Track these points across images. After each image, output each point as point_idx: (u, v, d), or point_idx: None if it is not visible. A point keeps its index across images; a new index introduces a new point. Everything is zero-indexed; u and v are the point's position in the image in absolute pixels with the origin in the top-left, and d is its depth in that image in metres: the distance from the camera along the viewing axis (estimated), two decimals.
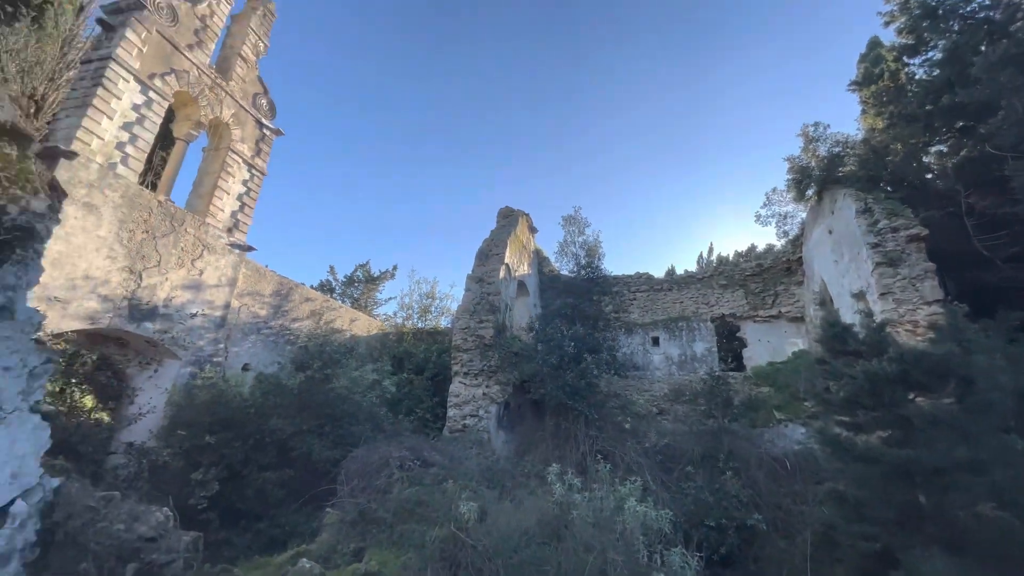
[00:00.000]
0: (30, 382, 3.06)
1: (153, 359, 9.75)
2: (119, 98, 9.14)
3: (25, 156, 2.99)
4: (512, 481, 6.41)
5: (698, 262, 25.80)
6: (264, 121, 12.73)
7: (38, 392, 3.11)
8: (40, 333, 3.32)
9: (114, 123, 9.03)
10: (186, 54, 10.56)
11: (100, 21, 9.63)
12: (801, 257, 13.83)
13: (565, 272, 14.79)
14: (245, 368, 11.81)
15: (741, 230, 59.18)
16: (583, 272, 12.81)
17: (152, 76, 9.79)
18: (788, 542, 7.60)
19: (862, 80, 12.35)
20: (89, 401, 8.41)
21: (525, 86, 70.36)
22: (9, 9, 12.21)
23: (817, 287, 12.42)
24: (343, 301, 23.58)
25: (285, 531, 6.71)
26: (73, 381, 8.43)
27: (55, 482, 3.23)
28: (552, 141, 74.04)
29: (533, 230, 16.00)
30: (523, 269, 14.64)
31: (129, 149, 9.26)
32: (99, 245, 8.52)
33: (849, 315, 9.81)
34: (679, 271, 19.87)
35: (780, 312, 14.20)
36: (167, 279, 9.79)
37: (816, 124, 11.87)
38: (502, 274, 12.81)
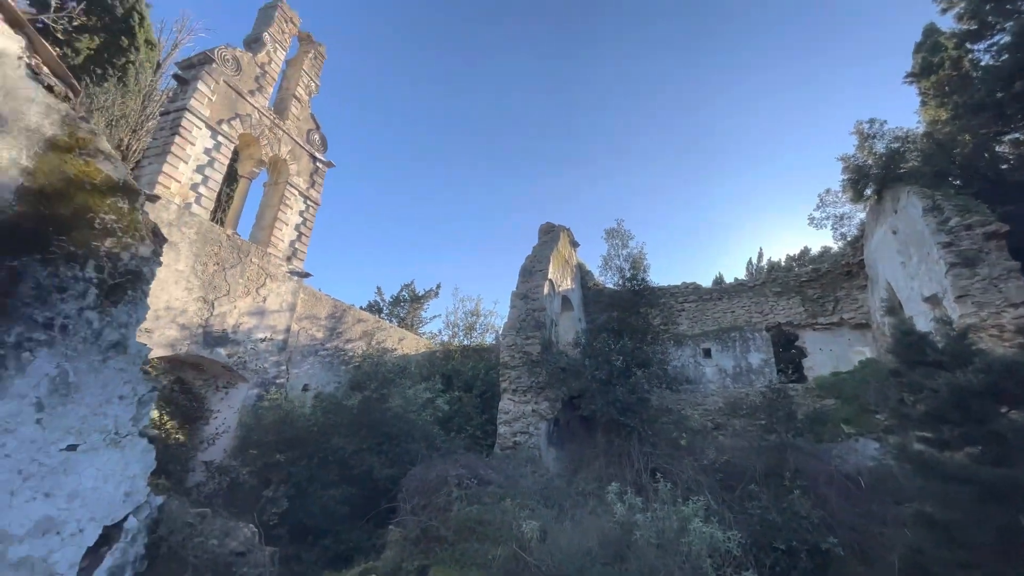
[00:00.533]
0: (139, 409, 3.40)
1: (226, 382, 10.45)
2: (193, 144, 10.05)
3: (134, 208, 3.38)
4: (569, 500, 6.37)
5: (747, 269, 24.87)
6: (317, 155, 13.56)
7: (145, 418, 3.45)
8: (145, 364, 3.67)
9: (189, 167, 9.93)
10: (248, 99, 11.49)
11: (176, 76, 10.69)
12: (863, 260, 13.07)
13: (610, 285, 14.66)
14: (305, 388, 12.42)
15: (791, 233, 56.54)
16: (628, 285, 12.68)
17: (220, 122, 10.71)
18: (868, 568, 7.07)
19: (920, 71, 11.69)
20: (171, 423, 9.11)
21: (561, 100, 71.04)
22: (99, 71, 13.76)
23: (883, 291, 11.68)
24: (391, 321, 24.34)
25: (349, 547, 6.95)
26: (160, 404, 9.18)
27: (159, 500, 3.55)
28: (591, 153, 74.05)
29: (575, 244, 16.01)
30: (566, 284, 14.65)
31: (202, 189, 10.13)
32: (178, 278, 9.32)
33: (923, 321, 9.16)
34: (728, 279, 19.23)
35: (842, 319, 13.42)
36: (235, 307, 10.53)
37: (871, 121, 11.31)
38: (546, 290, 12.88)
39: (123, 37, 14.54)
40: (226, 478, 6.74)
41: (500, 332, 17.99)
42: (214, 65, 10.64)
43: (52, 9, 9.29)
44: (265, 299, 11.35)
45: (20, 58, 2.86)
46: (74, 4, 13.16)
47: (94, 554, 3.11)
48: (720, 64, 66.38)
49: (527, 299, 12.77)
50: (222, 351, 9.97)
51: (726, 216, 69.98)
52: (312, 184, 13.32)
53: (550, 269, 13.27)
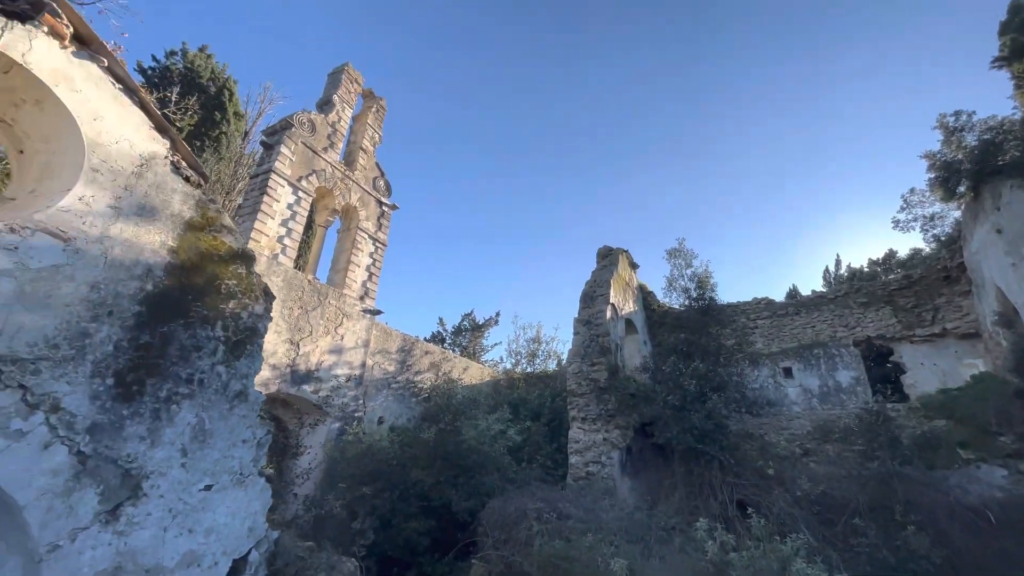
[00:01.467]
0: (257, 450, 3.79)
1: (313, 418, 11.20)
2: (278, 201, 11.18)
3: (250, 272, 3.85)
4: (652, 535, 6.15)
5: (824, 278, 23.15)
6: (383, 200, 14.54)
7: (263, 458, 3.83)
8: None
9: (275, 221, 11.02)
10: (322, 156, 12.64)
11: (263, 143, 12.02)
12: (963, 263, 11.82)
13: (675, 306, 14.24)
14: (380, 421, 12.99)
15: (871, 238, 52.02)
16: (695, 304, 12.26)
17: (300, 178, 11.85)
18: None
19: (1010, 53, 10.66)
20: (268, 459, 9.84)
21: (611, 118, 71.31)
22: (197, 143, 15.71)
23: (993, 299, 10.46)
24: (453, 350, 24.97)
25: None
26: None
27: (275, 534, 3.88)
28: (645, 169, 73.15)
29: (634, 266, 15.79)
30: (628, 307, 14.41)
31: (286, 241, 11.18)
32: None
33: None
34: (803, 291, 18.02)
35: (945, 329, 12.11)
36: (317, 346, 11.34)
37: (957, 113, 10.42)
38: (608, 315, 12.75)
39: (216, 112, 16.61)
40: (320, 511, 7.17)
41: (563, 358, 17.90)
42: (293, 129, 11.86)
43: (172, 103, 10.90)
44: (343, 337, 12.13)
45: (166, 157, 3.43)
46: (176, 88, 15.27)
47: None
48: (770, 59, 63.91)
49: (590, 325, 12.69)
50: (307, 388, 10.74)
51: (794, 225, 65.86)
52: (379, 227, 14.24)
53: (611, 293, 13.15)
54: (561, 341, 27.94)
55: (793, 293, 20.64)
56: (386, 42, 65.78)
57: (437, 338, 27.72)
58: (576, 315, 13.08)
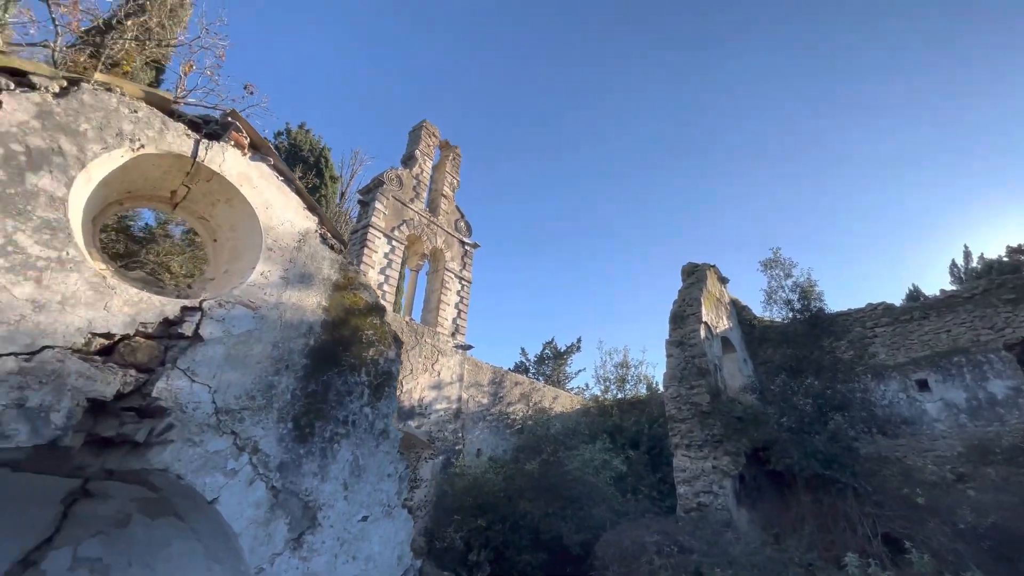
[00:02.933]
0: (400, 484, 4.16)
1: (422, 452, 11.83)
2: (376, 252, 12.30)
3: (383, 322, 4.34)
4: (789, 572, 5.67)
5: (952, 273, 20.32)
6: (465, 240, 15.39)
7: (404, 491, 4.19)
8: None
9: (375, 271, 12.10)
10: (410, 206, 13.77)
11: (359, 201, 13.40)
12: None
13: (777, 319, 13.29)
14: (479, 454, 13.32)
15: (1004, 223, 44.83)
16: (800, 316, 11.38)
17: (392, 229, 12.97)
18: None
19: None
20: None
21: (689, 132, 69.71)
22: None
23: None
24: (538, 379, 25.06)
25: None
26: None
27: (418, 563, 4.19)
28: (732, 173, 70.06)
29: (724, 280, 15.04)
30: (723, 324, 13.69)
31: (385, 287, 12.20)
32: None
33: None
34: (926, 291, 15.95)
35: None
36: (418, 383, 12.06)
37: None
38: (703, 334, 12.21)
39: (315, 177, 18.79)
40: (442, 543, 7.51)
41: (654, 382, 17.25)
42: (384, 186, 13.11)
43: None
44: (439, 373, 12.79)
45: (316, 231, 4.06)
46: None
47: None
48: (870, 39, 59.04)
49: (683, 346, 12.21)
50: (412, 424, 11.39)
51: (902, 220, 58.76)
52: (464, 266, 15.03)
53: (703, 311, 12.61)
54: (650, 364, 26.95)
55: (915, 294, 18.33)
56: (457, 78, 70.46)
57: (521, 368, 27.99)
58: (667, 337, 12.67)
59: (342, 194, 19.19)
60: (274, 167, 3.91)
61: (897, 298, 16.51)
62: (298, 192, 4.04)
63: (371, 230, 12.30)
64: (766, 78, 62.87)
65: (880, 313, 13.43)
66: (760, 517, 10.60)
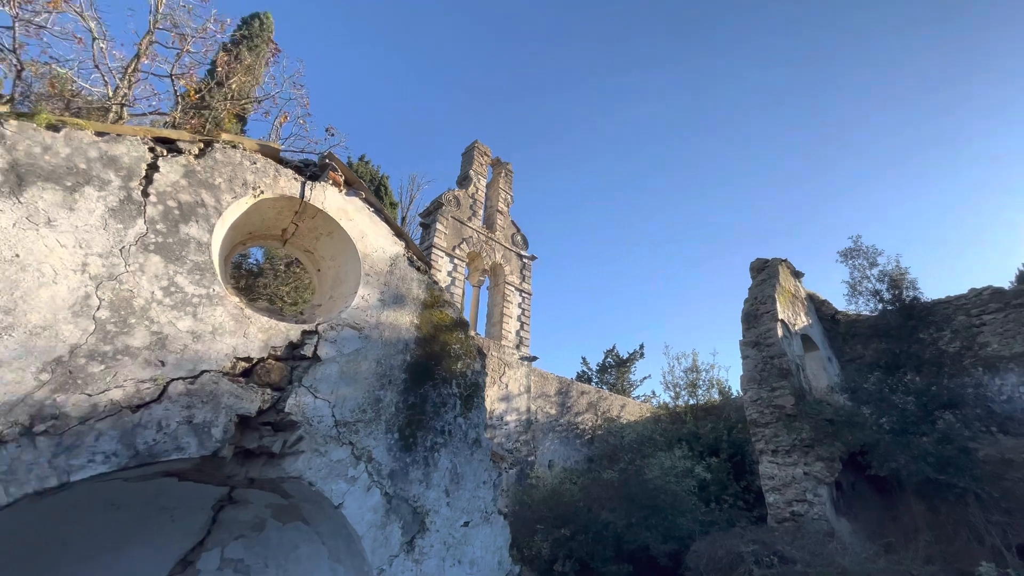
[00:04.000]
0: (494, 491, 4.32)
1: (501, 465, 12.04)
2: (440, 271, 12.82)
3: (468, 337, 4.56)
4: None
5: None
6: (522, 253, 15.65)
7: (500, 498, 4.35)
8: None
9: None
10: (468, 225, 14.25)
11: (420, 223, 14.07)
12: None
13: (865, 312, 12.34)
14: (551, 465, 13.31)
15: None
16: (892, 307, 10.50)
17: (453, 248, 13.47)
18: None
19: None
20: None
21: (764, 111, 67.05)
22: None
23: None
24: (601, 388, 24.67)
25: None
26: None
27: (516, 569, 4.31)
28: (790, 159, 66.41)
29: (798, 275, 14.20)
30: (801, 321, 12.90)
31: None
32: None
33: None
34: None
35: None
36: (487, 395, 12.31)
37: None
38: (780, 332, 11.56)
39: None
40: (528, 551, 7.59)
41: (728, 387, 16.48)
42: (443, 207, 13.68)
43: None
44: (507, 385, 13.00)
45: (403, 255, 4.38)
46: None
47: None
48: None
49: (759, 346, 11.63)
50: (486, 436, 11.63)
51: (996, 189, 52.50)
52: (523, 279, 15.27)
53: (778, 309, 11.96)
54: (722, 368, 25.61)
55: None
56: (506, 90, 72.19)
57: (583, 378, 27.67)
58: (740, 338, 12.12)
59: (403, 219, 20.17)
60: (365, 200, 4.29)
61: (1003, 280, 14.74)
62: (386, 220, 4.39)
63: (434, 250, 12.85)
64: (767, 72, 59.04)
65: (987, 299, 12.08)
66: (863, 528, 9.76)
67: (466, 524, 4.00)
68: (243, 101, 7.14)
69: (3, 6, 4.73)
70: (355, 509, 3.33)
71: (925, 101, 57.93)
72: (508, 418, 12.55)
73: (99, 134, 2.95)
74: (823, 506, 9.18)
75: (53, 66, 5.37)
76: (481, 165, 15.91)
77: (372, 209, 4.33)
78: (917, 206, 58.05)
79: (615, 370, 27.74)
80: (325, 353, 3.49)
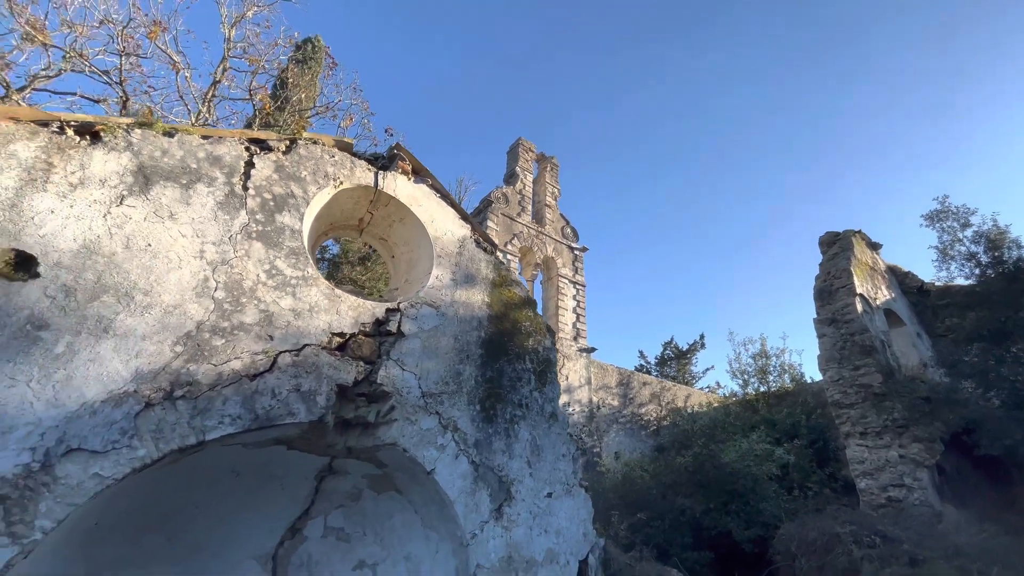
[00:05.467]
0: (574, 464, 4.34)
1: None
2: None
3: (536, 315, 4.62)
4: None
5: None
6: (573, 245, 15.57)
7: (580, 471, 4.37)
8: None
9: None
10: (518, 220, 14.38)
11: None
12: None
13: (959, 281, 11.24)
14: (616, 456, 13.10)
15: None
16: (992, 272, 9.49)
17: (505, 244, 13.63)
18: None
19: None
20: None
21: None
22: None
23: None
24: (663, 380, 23.93)
25: None
26: None
27: (602, 541, 4.29)
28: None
29: (874, 246, 13.19)
30: (882, 295, 11.96)
31: None
32: None
33: None
34: None
35: None
36: None
37: None
38: (859, 307, 10.77)
39: None
40: (605, 535, 7.52)
41: (800, 372, 15.53)
42: (493, 205, 13.88)
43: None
44: (567, 377, 12.95)
45: (470, 237, 4.52)
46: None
47: None
48: None
49: (836, 323, 10.88)
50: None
51: None
52: (576, 271, 15.18)
53: (855, 282, 11.13)
54: (794, 352, 24.15)
55: None
56: (554, 81, 72.36)
57: (642, 371, 27.02)
58: (815, 316, 11.39)
59: None
60: (432, 186, 4.47)
61: None
62: (452, 205, 4.55)
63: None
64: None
65: None
66: (973, 515, 8.83)
67: (549, 495, 4.05)
68: (307, 112, 7.71)
69: (113, 41, 5.45)
70: (446, 475, 3.47)
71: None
72: (570, 410, 12.48)
73: (204, 137, 3.29)
74: (924, 491, 8.42)
75: (150, 93, 6.10)
76: (527, 161, 16.01)
77: (438, 195, 4.50)
78: (1010, 155, 51.77)
79: (675, 362, 26.86)
80: (408, 329, 3.67)
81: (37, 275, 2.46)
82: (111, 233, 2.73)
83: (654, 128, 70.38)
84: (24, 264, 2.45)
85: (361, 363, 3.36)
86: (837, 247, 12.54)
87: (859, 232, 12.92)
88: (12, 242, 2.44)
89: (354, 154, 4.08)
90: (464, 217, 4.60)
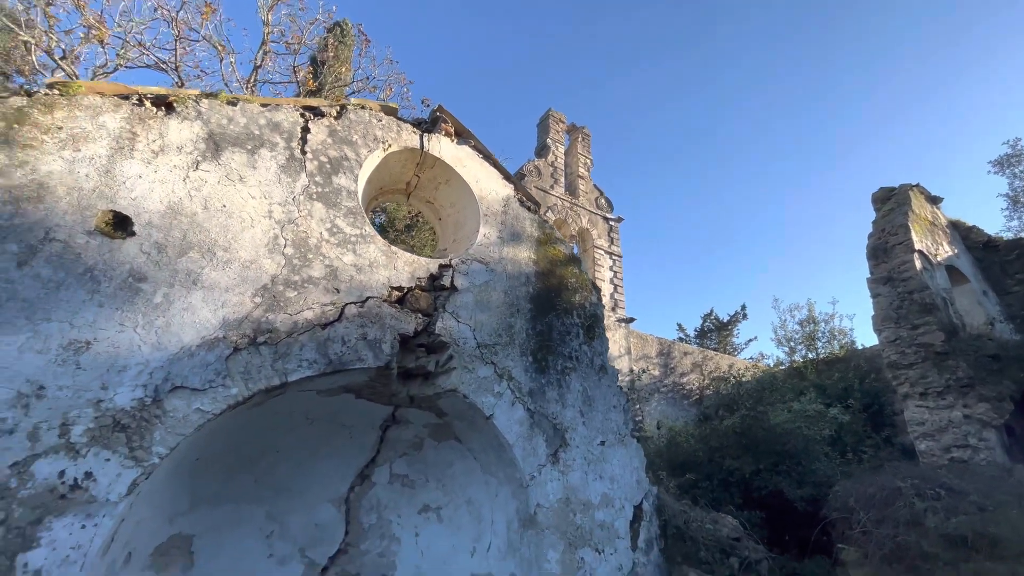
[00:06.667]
0: (624, 415, 4.42)
1: None
2: None
3: (582, 272, 4.66)
4: None
5: None
6: (608, 216, 15.35)
7: (630, 422, 4.44)
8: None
9: None
10: (551, 193, 14.28)
11: None
12: None
13: None
14: (659, 426, 13.08)
15: None
16: None
17: None
18: None
19: None
20: None
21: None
22: None
23: None
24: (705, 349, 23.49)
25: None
26: None
27: (655, 489, 4.37)
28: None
29: (934, 200, 12.37)
30: (943, 251, 11.27)
31: None
32: None
33: None
34: None
35: None
36: None
37: None
38: (918, 264, 10.20)
39: None
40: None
41: (852, 340, 14.92)
42: (525, 178, 13.82)
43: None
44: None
45: (514, 196, 4.57)
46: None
47: (632, 527, 4.06)
48: None
49: (893, 282, 10.34)
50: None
51: None
52: (611, 241, 15.00)
53: (913, 238, 10.51)
54: (843, 316, 23.06)
55: None
56: (585, 50, 70.65)
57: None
58: (868, 275, 10.86)
59: None
60: (475, 148, 4.53)
61: None
62: (495, 165, 4.61)
63: None
64: None
65: None
66: None
67: (602, 443, 4.15)
68: (344, 85, 7.93)
69: (168, 27, 5.79)
70: (504, 420, 3.62)
71: None
72: None
73: (263, 105, 3.46)
74: (992, 451, 8.05)
75: (202, 78, 6.44)
76: (557, 132, 15.78)
77: (481, 156, 4.56)
78: None
79: (715, 334, 26.27)
80: (460, 284, 3.79)
81: (133, 233, 2.70)
82: (191, 195, 2.95)
83: (690, 92, 67.45)
84: (121, 224, 2.69)
85: (419, 315, 3.51)
86: (892, 203, 11.81)
87: (917, 186, 12.12)
88: (109, 204, 2.68)
89: (399, 118, 4.19)
90: (507, 177, 4.65)
